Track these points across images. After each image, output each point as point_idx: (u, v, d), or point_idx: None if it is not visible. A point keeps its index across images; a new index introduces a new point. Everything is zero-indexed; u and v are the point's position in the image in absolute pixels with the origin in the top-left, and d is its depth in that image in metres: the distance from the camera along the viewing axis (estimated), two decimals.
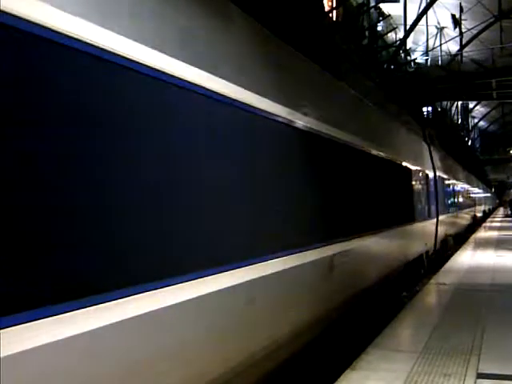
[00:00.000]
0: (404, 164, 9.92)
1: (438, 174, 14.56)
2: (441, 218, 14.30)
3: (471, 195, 30.02)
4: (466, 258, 13.35)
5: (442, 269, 11.41)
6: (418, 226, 10.95)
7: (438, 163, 15.11)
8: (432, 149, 14.44)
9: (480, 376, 4.58)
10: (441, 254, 14.74)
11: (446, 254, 15.29)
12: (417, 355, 5.19)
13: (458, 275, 10.38)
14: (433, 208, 13.05)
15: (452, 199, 18.82)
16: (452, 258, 13.27)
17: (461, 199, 22.70)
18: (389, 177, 8.62)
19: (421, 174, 11.82)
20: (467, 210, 25.28)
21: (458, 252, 14.78)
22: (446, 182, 17.11)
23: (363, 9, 25.04)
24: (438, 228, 13.75)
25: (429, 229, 12.52)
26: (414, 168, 10.86)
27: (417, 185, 11.09)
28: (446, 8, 34.40)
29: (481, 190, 40.76)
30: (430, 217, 12.51)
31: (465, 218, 23.67)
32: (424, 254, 12.06)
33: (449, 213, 16.96)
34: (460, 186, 22.84)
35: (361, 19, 25.54)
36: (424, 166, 12.40)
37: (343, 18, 22.92)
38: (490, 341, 5.66)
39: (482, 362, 4.96)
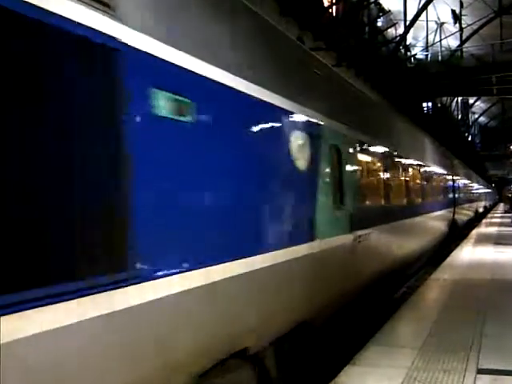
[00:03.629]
0: None
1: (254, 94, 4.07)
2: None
3: (455, 188, 20.52)
4: (466, 253, 13.36)
5: (442, 264, 11.42)
6: None
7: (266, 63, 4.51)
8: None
9: (480, 371, 4.58)
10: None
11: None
12: (417, 351, 5.18)
13: (457, 270, 10.38)
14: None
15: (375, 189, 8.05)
16: (452, 254, 13.27)
17: (420, 194, 12.30)
18: None
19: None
20: (436, 213, 14.65)
21: (458, 248, 14.78)
22: (345, 131, 6.37)
23: (363, 4, 24.93)
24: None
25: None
26: None
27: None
28: (445, 3, 34.33)
29: (475, 184, 34.78)
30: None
31: (421, 235, 12.02)
32: None
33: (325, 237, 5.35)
34: (424, 168, 13.43)
35: (360, 15, 25.45)
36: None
37: (343, 14, 22.84)
38: (490, 336, 5.66)
39: (482, 357, 4.96)
